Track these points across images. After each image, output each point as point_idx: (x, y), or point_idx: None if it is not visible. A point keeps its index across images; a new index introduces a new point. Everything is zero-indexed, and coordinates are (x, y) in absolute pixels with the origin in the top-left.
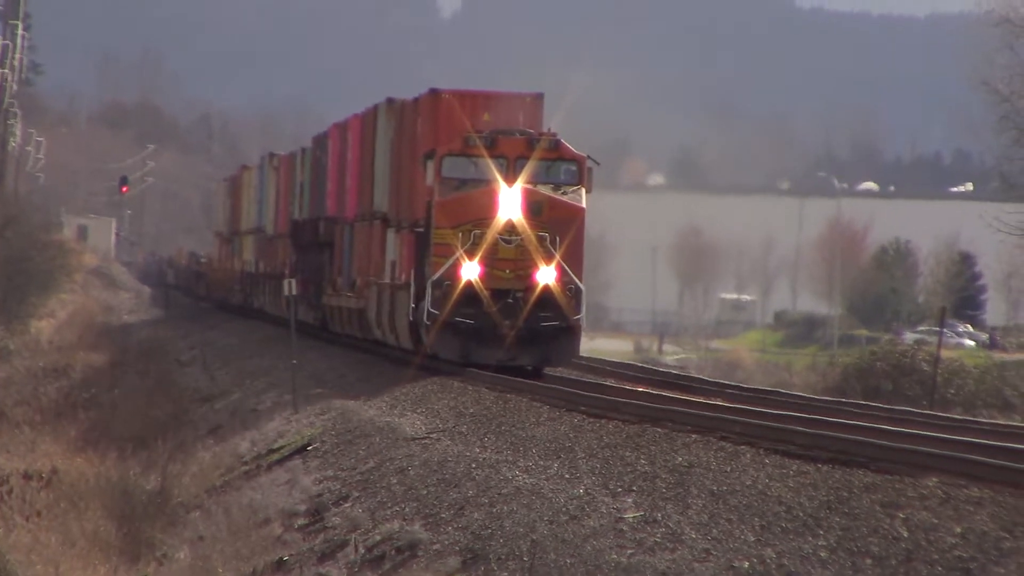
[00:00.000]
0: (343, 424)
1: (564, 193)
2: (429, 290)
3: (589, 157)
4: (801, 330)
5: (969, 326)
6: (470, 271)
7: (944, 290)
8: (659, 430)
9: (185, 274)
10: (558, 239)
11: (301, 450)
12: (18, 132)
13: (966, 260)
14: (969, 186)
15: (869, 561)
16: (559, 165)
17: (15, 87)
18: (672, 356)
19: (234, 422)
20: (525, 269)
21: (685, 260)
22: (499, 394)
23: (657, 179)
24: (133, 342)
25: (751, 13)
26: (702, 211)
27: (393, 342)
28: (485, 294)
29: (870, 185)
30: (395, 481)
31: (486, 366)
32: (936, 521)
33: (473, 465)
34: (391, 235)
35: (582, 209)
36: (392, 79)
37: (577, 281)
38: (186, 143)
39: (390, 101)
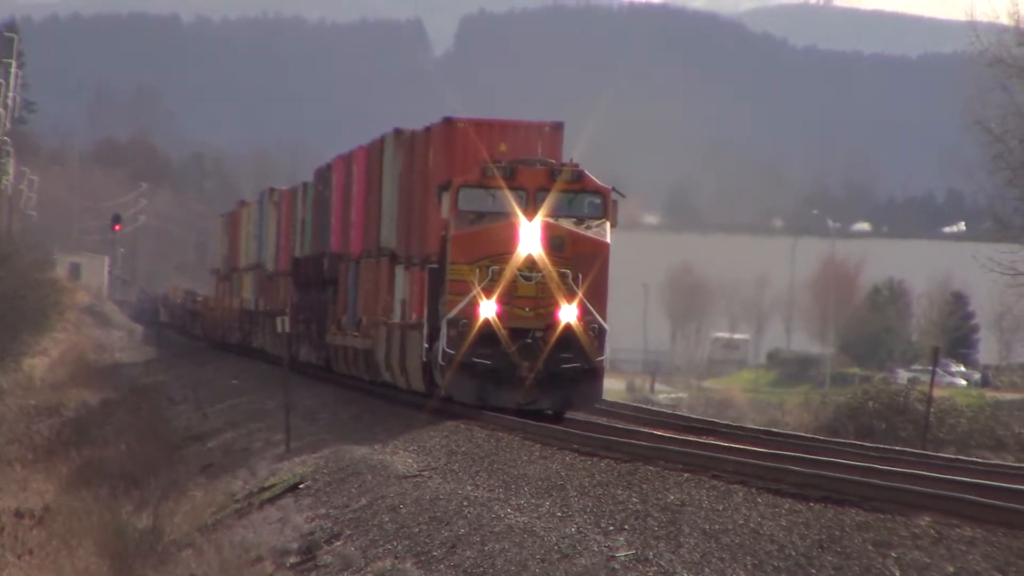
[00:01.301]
0: (335, 462)
1: (587, 227)
2: (444, 329)
3: (614, 189)
4: (794, 369)
5: (962, 365)
6: (487, 309)
7: (937, 329)
8: (651, 468)
9: (180, 313)
10: (580, 276)
11: (293, 488)
12: (11, 170)
13: (959, 300)
14: (962, 226)
15: None
16: (582, 197)
17: (8, 125)
18: (664, 395)
19: (226, 460)
20: (546, 307)
21: (678, 299)
22: (490, 432)
23: (651, 218)
24: (125, 380)
25: (745, 53)
26: (695, 250)
27: (403, 384)
28: (503, 333)
29: (863, 225)
30: (387, 519)
31: (504, 410)
32: (929, 560)
33: (465, 503)
34: (400, 272)
35: (606, 244)
36: (385, 117)
37: (601, 320)
38: (179, 181)
39: (398, 132)
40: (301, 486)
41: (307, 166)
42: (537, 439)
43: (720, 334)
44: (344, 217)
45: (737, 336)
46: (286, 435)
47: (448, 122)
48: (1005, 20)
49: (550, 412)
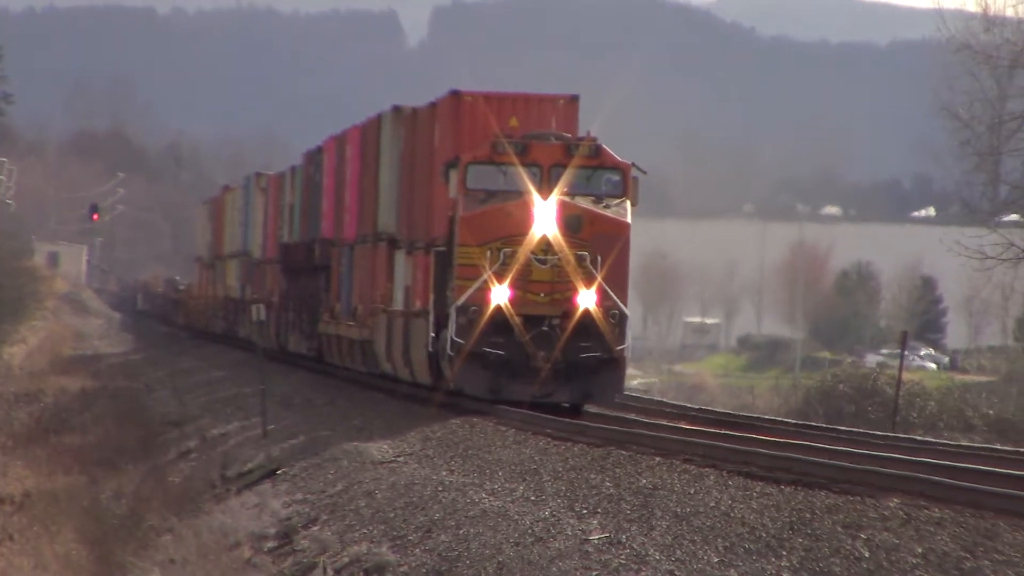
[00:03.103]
0: (311, 448)
1: (606, 206)
2: (453, 317)
3: (634, 165)
4: (764, 353)
5: (931, 349)
6: (500, 295)
7: (906, 313)
8: (624, 453)
9: (162, 301)
10: (599, 258)
11: (270, 474)
12: None
13: (927, 284)
14: (930, 210)
15: None
16: (600, 174)
17: None
18: (637, 380)
19: (204, 447)
20: (562, 292)
21: (650, 284)
22: (465, 418)
23: None
24: (104, 368)
25: (715, 42)
26: (667, 236)
27: (407, 377)
28: (517, 321)
29: (832, 209)
30: (363, 504)
31: (518, 403)
32: (898, 541)
33: (440, 488)
34: (400, 257)
35: (627, 224)
36: (360, 106)
37: (622, 306)
38: (155, 171)
39: (397, 109)
40: (278, 472)
41: (282, 156)
42: (511, 424)
43: (691, 319)
44: (337, 201)
45: (708, 321)
46: (263, 421)
47: (455, 95)
48: (972, 7)
49: (567, 405)
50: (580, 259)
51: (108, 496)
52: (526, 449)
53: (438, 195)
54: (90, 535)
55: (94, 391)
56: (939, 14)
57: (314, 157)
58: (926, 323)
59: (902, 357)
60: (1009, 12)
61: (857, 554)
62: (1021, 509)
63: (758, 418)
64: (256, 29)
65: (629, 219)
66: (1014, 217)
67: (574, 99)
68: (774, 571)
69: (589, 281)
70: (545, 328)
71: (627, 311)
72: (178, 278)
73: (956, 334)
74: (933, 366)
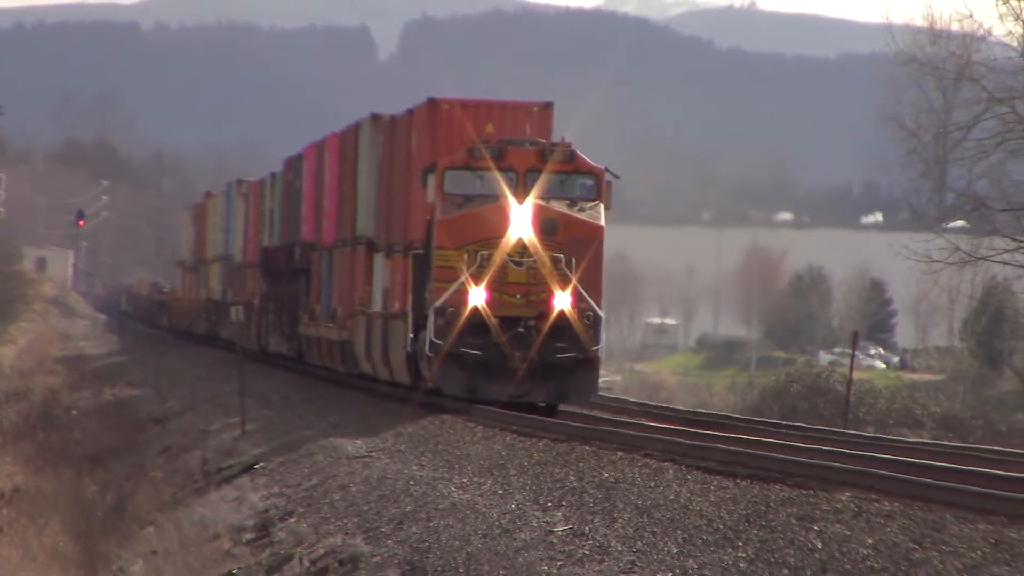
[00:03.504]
0: (288, 444)
1: (580, 210)
2: (431, 318)
3: (607, 170)
4: (721, 353)
5: (881, 349)
6: (476, 297)
7: (856, 315)
8: (587, 448)
9: (146, 304)
10: (574, 261)
11: (248, 468)
12: None
13: (877, 286)
14: (879, 216)
15: (786, 571)
16: (575, 179)
17: None
18: (600, 378)
19: (185, 442)
20: (538, 294)
21: (612, 286)
22: (435, 415)
23: None
24: (90, 367)
25: (673, 55)
26: (629, 240)
27: (386, 377)
28: (493, 322)
29: (786, 215)
30: (337, 497)
31: (494, 403)
32: (849, 533)
33: (411, 482)
34: (379, 260)
35: (601, 227)
36: (334, 117)
37: (596, 307)
38: (139, 179)
39: (375, 116)
40: (256, 466)
41: (260, 164)
42: (479, 421)
43: (652, 320)
44: (316, 206)
45: (668, 321)
46: (241, 418)
47: (432, 103)
48: (919, 21)
49: (543, 405)
50: (555, 261)
51: (93, 491)
52: (494, 445)
53: (416, 200)
54: (76, 528)
55: (80, 389)
56: (888, 29)
57: (294, 164)
58: (876, 324)
59: (853, 357)
60: (954, 26)
61: (810, 545)
62: (967, 502)
63: (737, 418)
64: (236, 44)
65: (603, 222)
66: (960, 223)
67: (548, 106)
68: (731, 562)
69: (564, 283)
70: (521, 329)
71: (601, 312)
72: (161, 281)
73: (905, 335)
74: (883, 365)
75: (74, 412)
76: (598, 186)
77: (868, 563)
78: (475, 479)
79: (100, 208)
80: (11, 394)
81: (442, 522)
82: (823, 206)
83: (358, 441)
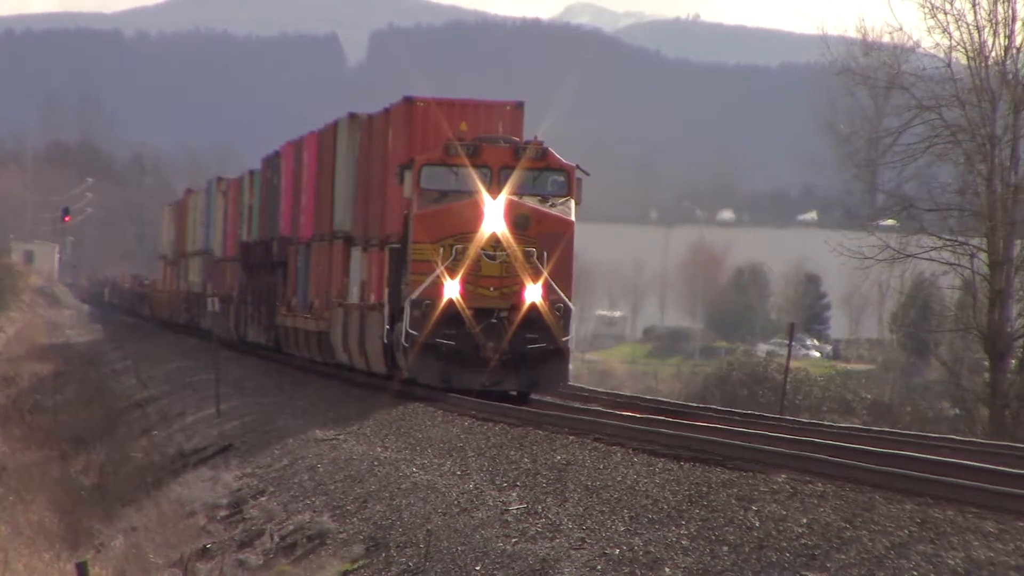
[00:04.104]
0: (260, 426)
1: (552, 205)
2: (407, 310)
3: (578, 167)
4: (667, 343)
5: (816, 339)
6: (451, 289)
7: (793, 307)
8: (540, 432)
9: (129, 296)
10: (546, 254)
11: (223, 450)
12: None
13: (812, 281)
14: (815, 215)
15: (726, 548)
16: (546, 175)
17: None
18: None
19: (163, 424)
20: (510, 287)
21: None
22: (398, 400)
23: None
24: (74, 354)
25: (623, 64)
26: (580, 237)
27: (362, 366)
28: (467, 314)
29: (728, 215)
30: (306, 477)
31: (468, 391)
32: (785, 513)
33: (375, 463)
34: (356, 254)
35: (571, 223)
36: (305, 121)
37: (566, 300)
38: (121, 178)
39: (352, 116)
40: (230, 448)
41: (235, 164)
42: (439, 407)
43: (601, 312)
44: (294, 202)
45: (616, 314)
46: (216, 402)
47: (408, 101)
48: (853, 34)
49: (515, 393)
50: (527, 255)
51: (77, 470)
52: (453, 429)
53: (392, 195)
54: (61, 505)
55: (65, 375)
56: (824, 40)
57: (272, 162)
58: (811, 316)
59: (790, 347)
60: (886, 38)
61: (749, 524)
62: (895, 484)
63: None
64: (213, 51)
65: (573, 217)
66: (890, 222)
67: (519, 106)
68: (674, 539)
69: (536, 276)
70: (494, 320)
71: (571, 305)
72: (143, 274)
73: (838, 326)
74: (817, 355)
75: (59, 396)
76: (569, 183)
77: (802, 541)
78: (435, 460)
79: (84, 205)
80: (0, 379)
81: (404, 501)
82: (763, 206)
83: (326, 425)
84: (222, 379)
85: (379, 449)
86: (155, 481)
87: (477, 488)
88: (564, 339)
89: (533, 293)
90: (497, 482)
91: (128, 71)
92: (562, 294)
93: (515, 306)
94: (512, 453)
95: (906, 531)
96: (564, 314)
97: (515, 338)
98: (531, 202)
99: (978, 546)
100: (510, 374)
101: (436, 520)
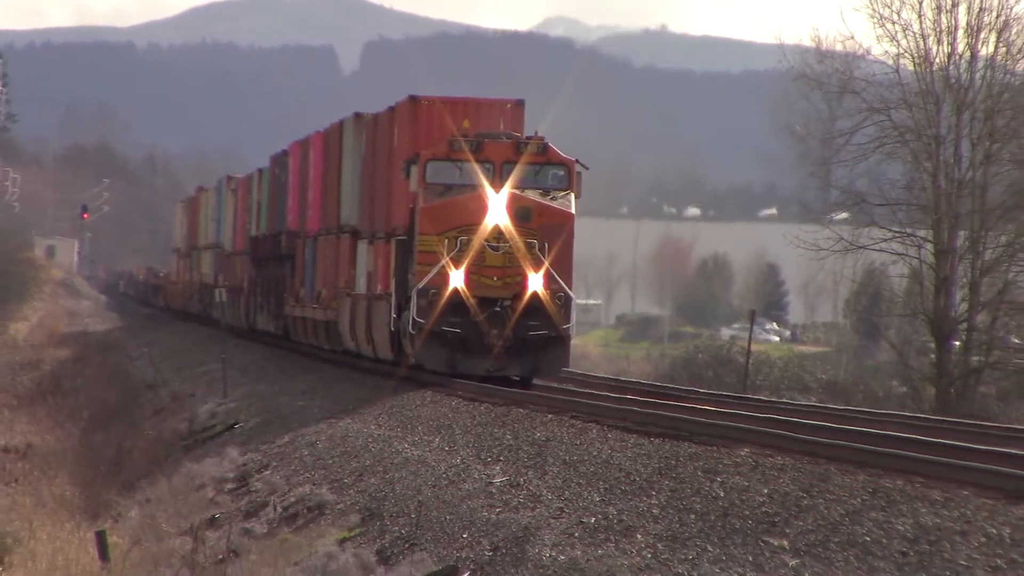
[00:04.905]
0: (264, 407)
1: (553, 198)
2: (414, 299)
3: (577, 161)
4: (638, 328)
5: (775, 324)
6: (456, 279)
7: (754, 295)
8: (522, 411)
9: (144, 287)
10: (547, 245)
11: (229, 428)
12: None
13: (772, 271)
14: (774, 211)
15: (693, 516)
16: (547, 169)
17: None
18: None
19: (175, 406)
20: (513, 276)
21: None
22: (390, 382)
23: None
24: (93, 341)
25: (596, 72)
26: None
27: (369, 353)
28: (472, 302)
29: (694, 210)
30: (306, 453)
31: (472, 377)
32: (747, 484)
33: (370, 440)
34: (362, 247)
35: (571, 215)
36: (304, 125)
37: (567, 289)
38: (134, 178)
39: (358, 115)
40: (236, 427)
41: (239, 164)
42: (428, 387)
43: (577, 300)
44: (301, 197)
45: (591, 302)
46: (223, 385)
47: (412, 100)
48: (808, 42)
49: (518, 378)
50: (529, 246)
51: (96, 447)
52: (441, 408)
53: (397, 190)
54: (81, 479)
55: (85, 360)
56: (781, 49)
57: (280, 160)
58: (771, 303)
59: (751, 331)
60: (838, 46)
61: (714, 494)
62: (849, 456)
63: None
64: (219, 61)
65: (573, 210)
66: (843, 216)
67: (520, 103)
68: (646, 508)
69: (537, 266)
70: (498, 309)
71: (571, 293)
72: (157, 267)
73: (796, 312)
74: (776, 339)
75: (79, 379)
76: (569, 176)
77: (763, 509)
78: (425, 437)
79: (101, 203)
80: (25, 364)
81: (396, 474)
82: (726, 202)
83: (325, 404)
84: (230, 364)
85: (373, 427)
86: (167, 457)
87: (464, 463)
88: (565, 326)
89: (535, 282)
90: (482, 457)
91: (141, 79)
92: (563, 283)
93: (518, 295)
94: (496, 430)
95: (859, 500)
96: (565, 302)
97: (518, 325)
98: (532, 195)
99: (925, 513)
100: (513, 360)
101: (426, 492)
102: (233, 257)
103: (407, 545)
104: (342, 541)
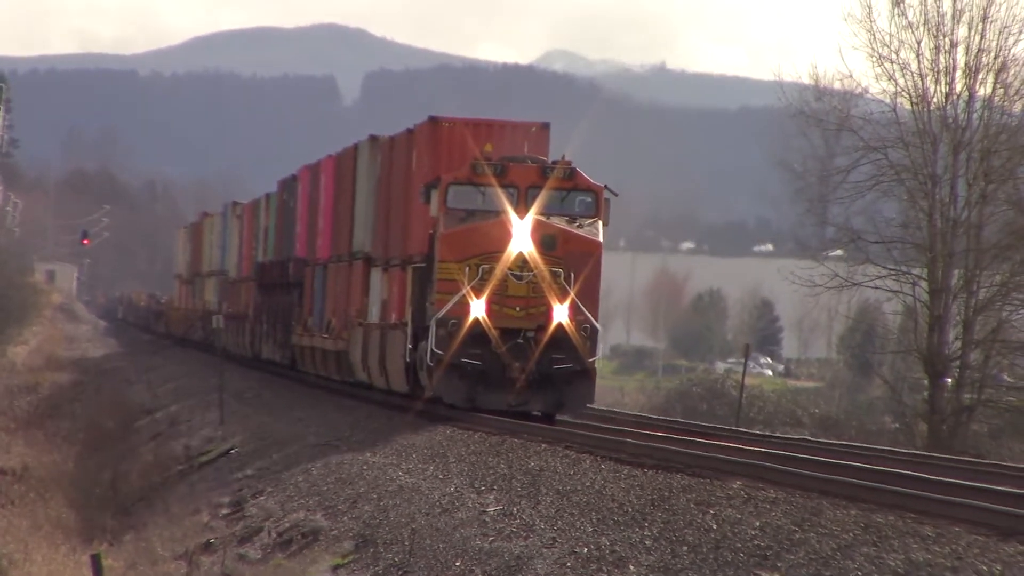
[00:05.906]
0: (260, 433)
1: (579, 226)
2: (432, 329)
3: (606, 187)
4: (632, 360)
5: (769, 358)
6: (477, 308)
7: (749, 329)
8: (516, 440)
9: (144, 313)
10: (573, 275)
11: (225, 454)
12: None
13: (766, 306)
14: (769, 246)
15: (685, 548)
16: (574, 196)
17: None
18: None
19: (172, 431)
20: (537, 307)
21: None
22: (386, 411)
23: None
24: (91, 365)
25: (595, 105)
26: None
27: (382, 385)
28: (494, 333)
29: (690, 244)
30: (301, 479)
31: (493, 411)
32: (740, 516)
33: (365, 467)
34: (376, 274)
35: (599, 243)
36: (305, 154)
37: (593, 320)
38: (135, 204)
39: (373, 138)
40: (232, 452)
41: (240, 191)
42: (423, 416)
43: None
44: (311, 224)
45: None
46: (220, 411)
47: (433, 121)
48: (806, 80)
49: (540, 414)
50: (555, 275)
51: (92, 470)
52: (436, 436)
53: (415, 215)
54: (77, 502)
55: (83, 384)
56: (780, 86)
57: (288, 184)
58: (765, 337)
59: (745, 365)
60: (837, 84)
61: (706, 526)
62: (841, 491)
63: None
64: (220, 89)
65: (601, 238)
66: (838, 252)
67: (545, 126)
68: (638, 539)
69: (563, 296)
70: (520, 340)
71: (598, 325)
72: (158, 293)
73: (789, 347)
74: (770, 373)
75: (77, 403)
76: (597, 203)
77: (756, 542)
78: (419, 465)
79: (101, 229)
80: (23, 387)
81: (391, 502)
82: (722, 237)
83: (319, 432)
84: (227, 391)
85: (368, 454)
86: (163, 481)
87: (457, 491)
88: (591, 360)
89: (560, 314)
90: (476, 486)
91: (143, 107)
92: (589, 315)
93: (542, 326)
94: (490, 459)
95: (851, 534)
96: (591, 335)
97: (541, 358)
98: (559, 222)
99: (917, 548)
100: (536, 395)
101: (420, 519)
102: (238, 284)
103: (400, 572)
104: (336, 567)
